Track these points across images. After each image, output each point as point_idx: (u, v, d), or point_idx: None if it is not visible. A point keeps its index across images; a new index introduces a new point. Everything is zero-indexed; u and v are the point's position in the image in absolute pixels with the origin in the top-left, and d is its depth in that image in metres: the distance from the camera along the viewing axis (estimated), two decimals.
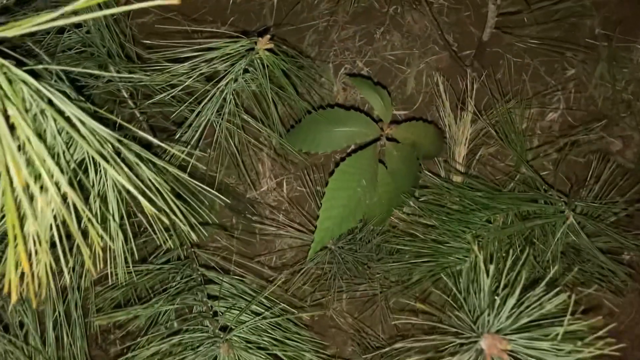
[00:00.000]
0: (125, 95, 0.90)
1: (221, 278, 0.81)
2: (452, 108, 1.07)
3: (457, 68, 1.18)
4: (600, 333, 0.54)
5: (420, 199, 0.93)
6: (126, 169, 0.51)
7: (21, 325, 0.75)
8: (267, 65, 0.80)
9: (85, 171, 0.54)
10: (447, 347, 0.62)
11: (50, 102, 0.41)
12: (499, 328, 0.61)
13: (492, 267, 0.56)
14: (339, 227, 0.87)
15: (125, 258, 0.63)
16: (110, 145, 0.47)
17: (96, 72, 0.80)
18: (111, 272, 0.63)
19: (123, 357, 0.65)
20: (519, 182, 0.92)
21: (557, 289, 0.55)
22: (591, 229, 0.92)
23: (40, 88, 0.39)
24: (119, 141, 0.50)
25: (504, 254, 0.78)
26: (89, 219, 0.48)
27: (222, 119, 0.87)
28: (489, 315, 0.60)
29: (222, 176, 1.25)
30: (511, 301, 0.58)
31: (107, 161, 0.46)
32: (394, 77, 1.20)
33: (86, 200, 0.54)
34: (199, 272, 0.80)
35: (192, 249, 0.85)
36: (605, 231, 0.89)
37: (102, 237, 0.57)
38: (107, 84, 0.87)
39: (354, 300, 1.09)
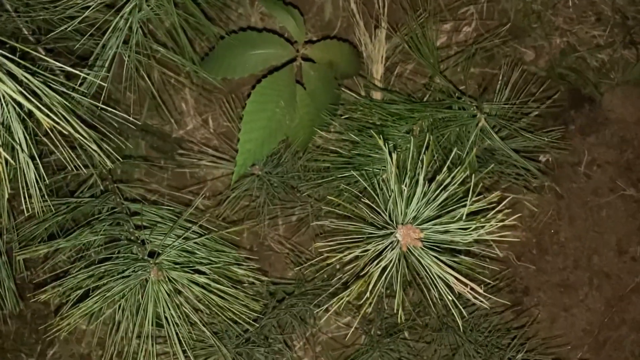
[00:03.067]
0: (27, 33, 0.86)
1: (147, 209, 0.81)
2: (368, 28, 1.08)
3: None
4: (500, 207, 0.57)
5: (341, 117, 0.95)
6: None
7: None
8: None
9: None
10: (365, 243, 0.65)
11: None
12: (412, 218, 0.64)
13: (395, 156, 0.58)
14: (260, 149, 0.88)
15: (42, 192, 0.62)
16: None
17: None
18: (26, 207, 0.62)
19: (50, 286, 0.65)
20: (434, 91, 0.95)
21: (459, 168, 0.57)
22: (505, 133, 0.97)
23: None
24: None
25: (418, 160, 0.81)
26: None
27: (130, 50, 0.85)
28: (401, 208, 0.63)
29: (144, 118, 1.23)
30: (419, 189, 0.61)
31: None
32: (311, 3, 1.19)
33: None
34: (123, 204, 0.80)
35: (116, 184, 0.84)
36: (518, 132, 0.93)
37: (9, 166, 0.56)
38: (4, 22, 0.83)
39: (288, 224, 1.12)
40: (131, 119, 0.70)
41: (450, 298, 0.58)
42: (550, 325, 1.17)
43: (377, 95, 1.01)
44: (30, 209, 0.63)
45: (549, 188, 1.20)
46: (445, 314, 0.91)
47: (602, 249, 1.20)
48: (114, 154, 0.68)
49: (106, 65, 0.83)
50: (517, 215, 0.58)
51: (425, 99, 0.98)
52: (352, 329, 1.10)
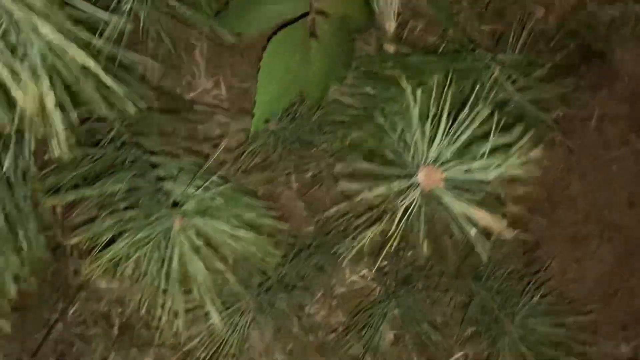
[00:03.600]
0: None
1: (167, 161, 0.83)
2: None
3: None
4: (522, 142, 0.58)
5: (356, 69, 0.95)
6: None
7: None
8: None
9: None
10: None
11: None
12: (433, 160, 0.65)
13: (419, 93, 0.59)
14: (277, 102, 0.89)
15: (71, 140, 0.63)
16: None
17: None
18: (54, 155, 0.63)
19: (79, 230, 0.67)
20: (448, 43, 0.95)
21: (480, 107, 0.58)
22: (519, 84, 0.97)
23: None
24: None
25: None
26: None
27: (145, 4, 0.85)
28: (422, 149, 0.64)
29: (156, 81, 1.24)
30: (440, 129, 0.62)
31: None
32: None
33: None
34: (143, 157, 0.81)
35: (136, 137, 0.85)
36: (532, 82, 0.94)
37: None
38: None
39: (303, 182, 1.13)
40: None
41: (473, 232, 0.59)
42: (561, 278, 1.19)
43: (390, 48, 1.01)
44: (55, 157, 0.64)
45: (560, 143, 1.21)
46: (461, 262, 0.93)
47: (613, 202, 1.21)
48: (134, 102, 0.69)
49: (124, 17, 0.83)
50: (539, 149, 0.59)
51: (439, 52, 0.98)
52: (369, 280, 1.12)
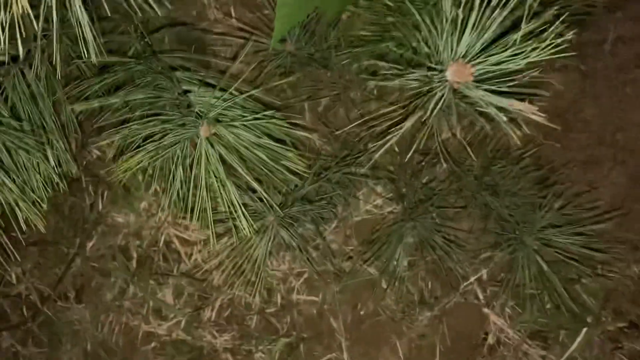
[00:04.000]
0: None
1: (187, 75, 0.82)
2: None
3: None
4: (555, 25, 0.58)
5: None
6: None
7: None
8: None
9: None
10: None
11: None
12: (462, 56, 0.64)
13: None
14: (297, 13, 0.87)
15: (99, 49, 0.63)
16: None
17: None
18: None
19: (108, 132, 0.67)
20: None
21: None
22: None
23: None
24: None
25: None
26: None
27: None
28: (451, 42, 0.63)
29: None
30: (471, 20, 0.61)
31: None
32: None
33: None
34: (166, 71, 0.80)
35: (157, 55, 0.85)
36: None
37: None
38: None
39: (321, 105, 1.12)
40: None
41: (505, 118, 0.59)
42: (575, 200, 1.20)
43: None
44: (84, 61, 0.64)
45: (573, 67, 1.21)
46: (480, 175, 0.94)
47: (626, 125, 1.21)
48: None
49: None
50: (567, 42, 0.59)
51: None
52: (384, 206, 1.13)
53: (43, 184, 0.70)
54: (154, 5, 0.69)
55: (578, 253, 1.02)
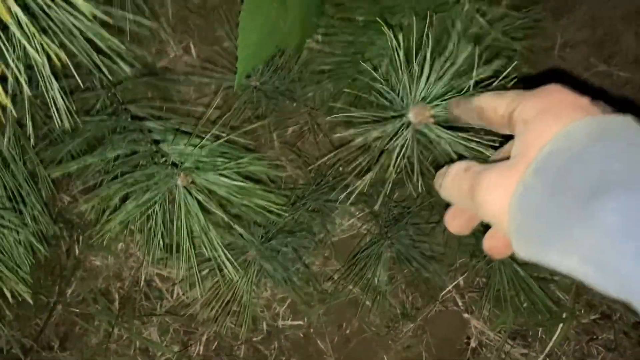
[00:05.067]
0: None
1: (159, 124, 0.83)
2: None
3: None
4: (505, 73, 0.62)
5: (332, 17, 0.97)
6: None
7: None
8: None
9: None
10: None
11: None
12: (421, 99, 0.68)
13: (401, 36, 0.62)
14: (259, 54, 0.90)
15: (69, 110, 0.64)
16: None
17: None
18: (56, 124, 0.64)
19: (87, 196, 0.68)
20: None
21: (461, 42, 0.61)
22: (489, 16, 1.01)
23: None
24: None
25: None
26: None
27: None
28: (410, 89, 0.67)
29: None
30: (426, 68, 0.65)
31: None
32: None
33: None
34: (136, 123, 0.81)
35: (124, 105, 0.85)
36: (501, 15, 0.98)
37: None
38: None
39: (290, 134, 1.15)
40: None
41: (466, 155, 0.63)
42: None
43: None
44: (58, 126, 0.64)
45: (527, 74, 1.26)
46: None
47: None
48: (120, 70, 0.70)
49: None
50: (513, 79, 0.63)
51: None
52: (360, 227, 1.16)
53: (24, 252, 0.70)
54: (121, 64, 0.70)
55: None
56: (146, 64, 1.20)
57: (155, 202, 0.74)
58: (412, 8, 0.92)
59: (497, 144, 0.70)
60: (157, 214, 0.74)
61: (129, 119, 0.83)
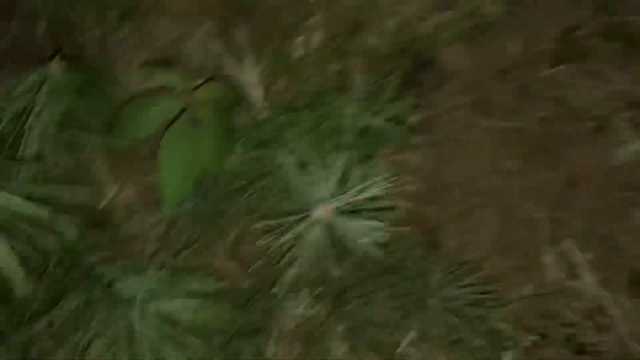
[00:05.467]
0: None
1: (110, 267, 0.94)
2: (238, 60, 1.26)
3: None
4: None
5: (243, 139, 1.12)
6: None
7: None
8: None
9: None
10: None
11: None
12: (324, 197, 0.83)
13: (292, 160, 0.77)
14: (182, 185, 1.05)
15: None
16: None
17: None
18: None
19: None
20: (306, 95, 1.15)
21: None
22: (374, 109, 1.19)
23: None
24: None
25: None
26: None
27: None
28: (310, 192, 0.81)
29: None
30: (321, 174, 0.80)
31: None
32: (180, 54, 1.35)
33: None
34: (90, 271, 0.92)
35: (76, 257, 0.96)
36: (385, 105, 1.16)
37: None
38: None
39: (229, 245, 1.26)
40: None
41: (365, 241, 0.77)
42: (462, 251, 1.39)
43: (263, 114, 1.20)
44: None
45: (424, 142, 1.43)
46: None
47: (480, 174, 1.44)
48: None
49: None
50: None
51: (305, 104, 1.18)
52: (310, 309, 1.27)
53: None
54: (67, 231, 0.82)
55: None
56: (86, 209, 1.31)
57: (117, 340, 0.84)
58: (307, 120, 1.08)
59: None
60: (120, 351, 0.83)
61: (83, 269, 0.94)
